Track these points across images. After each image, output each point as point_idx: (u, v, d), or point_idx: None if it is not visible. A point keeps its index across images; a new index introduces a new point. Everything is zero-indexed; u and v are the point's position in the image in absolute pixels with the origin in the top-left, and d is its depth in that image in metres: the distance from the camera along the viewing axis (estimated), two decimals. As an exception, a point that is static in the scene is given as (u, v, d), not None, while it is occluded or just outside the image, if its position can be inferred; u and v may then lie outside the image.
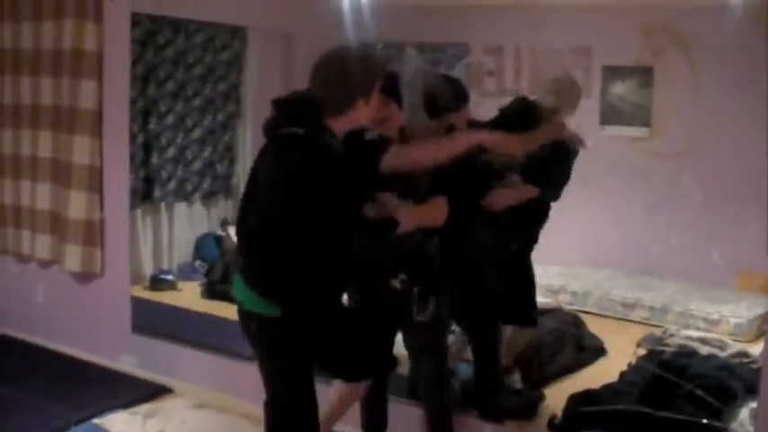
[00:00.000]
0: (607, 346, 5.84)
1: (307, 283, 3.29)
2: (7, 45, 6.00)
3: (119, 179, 5.64)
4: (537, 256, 7.20)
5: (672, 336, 5.62)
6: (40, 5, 5.75)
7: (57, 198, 5.84)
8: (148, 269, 6.47)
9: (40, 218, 5.96)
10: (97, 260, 5.73)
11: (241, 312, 3.44)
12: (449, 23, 7.48)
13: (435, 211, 3.52)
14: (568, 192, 7.23)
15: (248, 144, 6.97)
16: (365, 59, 3.33)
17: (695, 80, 6.87)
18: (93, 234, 5.69)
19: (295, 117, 3.23)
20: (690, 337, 5.58)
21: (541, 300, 6.22)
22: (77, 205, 5.68)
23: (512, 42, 7.51)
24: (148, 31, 6.24)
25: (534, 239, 5.14)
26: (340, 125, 3.27)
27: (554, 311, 6.17)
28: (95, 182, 5.65)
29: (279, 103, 3.31)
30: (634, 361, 5.17)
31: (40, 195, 5.93)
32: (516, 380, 5.06)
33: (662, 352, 5.26)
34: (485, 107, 7.53)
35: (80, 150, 5.62)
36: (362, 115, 3.30)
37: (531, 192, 4.61)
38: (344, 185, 3.17)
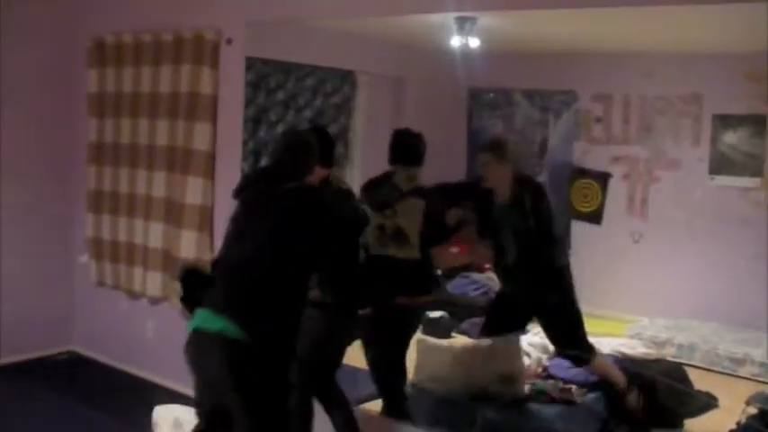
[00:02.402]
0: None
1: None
2: (127, 89, 6.20)
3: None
4: (642, 307, 7.17)
5: (784, 395, 5.45)
6: (160, 51, 5.94)
7: (169, 237, 5.97)
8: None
9: (153, 256, 6.10)
10: (206, 299, 5.82)
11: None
12: (557, 70, 7.47)
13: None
14: (675, 242, 7.18)
15: (356, 186, 6.99)
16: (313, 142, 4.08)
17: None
18: (203, 273, 5.78)
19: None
20: (804, 397, 5.40)
21: (644, 350, 6.18)
22: (188, 245, 5.79)
23: (621, 90, 7.46)
24: (261, 74, 6.35)
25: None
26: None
27: (656, 362, 6.08)
28: (206, 222, 5.76)
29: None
30: (743, 420, 5.04)
31: (153, 234, 6.08)
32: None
33: (774, 412, 5.10)
34: (593, 154, 7.55)
35: (193, 191, 5.75)
36: (317, 177, 4.09)
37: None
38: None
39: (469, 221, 5.29)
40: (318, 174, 4.09)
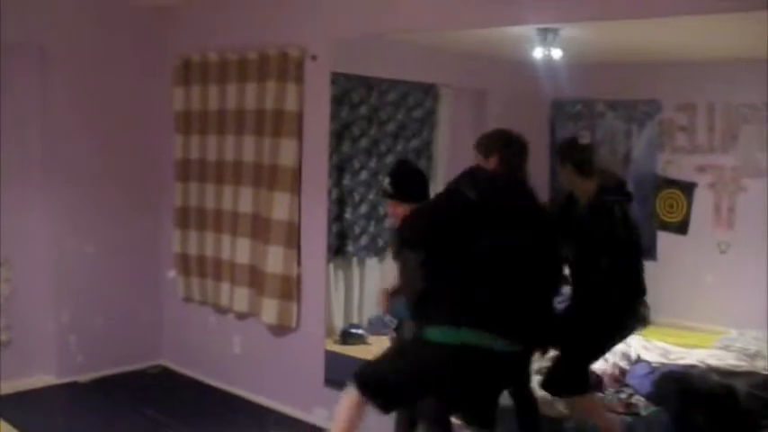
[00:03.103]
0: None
1: None
2: (213, 106, 6.29)
3: (316, 235, 5.78)
4: (731, 318, 7.03)
5: None
6: (245, 68, 6.01)
7: (255, 252, 6.02)
8: (339, 322, 6.53)
9: (240, 271, 6.16)
10: (293, 314, 5.87)
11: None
12: (641, 80, 7.38)
13: None
14: (764, 252, 7.04)
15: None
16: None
17: None
18: (289, 288, 5.84)
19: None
20: None
21: (733, 362, 6.07)
22: (275, 260, 5.84)
23: (705, 98, 7.35)
24: (343, 89, 6.35)
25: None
26: None
27: (748, 374, 5.97)
28: (293, 237, 5.81)
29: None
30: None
31: (240, 249, 6.14)
32: None
33: None
34: (677, 164, 7.45)
35: (279, 206, 5.80)
36: None
37: None
38: None
39: None
40: None
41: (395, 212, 4.42)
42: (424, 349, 3.86)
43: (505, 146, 4.23)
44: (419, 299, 4.07)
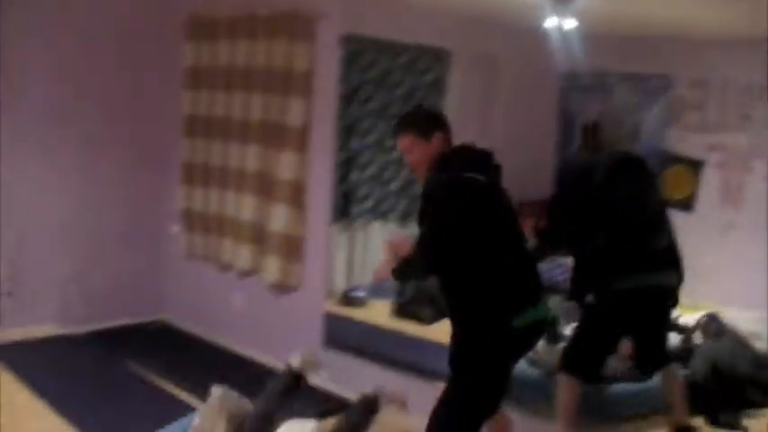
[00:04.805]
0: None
1: None
2: (223, 62, 6.24)
3: (321, 196, 5.76)
4: (735, 299, 7.02)
5: None
6: (255, 25, 5.96)
7: (260, 210, 6.01)
8: (341, 284, 6.55)
9: (243, 229, 6.15)
10: (295, 273, 5.86)
11: None
12: (654, 55, 7.34)
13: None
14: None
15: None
16: None
17: None
18: (293, 248, 5.83)
19: None
20: None
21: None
22: (280, 219, 5.83)
23: (718, 76, 7.31)
24: (354, 51, 6.32)
25: None
26: None
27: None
28: (299, 197, 5.79)
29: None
30: None
31: (245, 207, 6.13)
32: None
33: None
34: (687, 140, 7.42)
35: (286, 165, 5.78)
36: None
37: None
38: None
39: None
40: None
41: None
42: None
43: (444, 121, 3.82)
44: None
